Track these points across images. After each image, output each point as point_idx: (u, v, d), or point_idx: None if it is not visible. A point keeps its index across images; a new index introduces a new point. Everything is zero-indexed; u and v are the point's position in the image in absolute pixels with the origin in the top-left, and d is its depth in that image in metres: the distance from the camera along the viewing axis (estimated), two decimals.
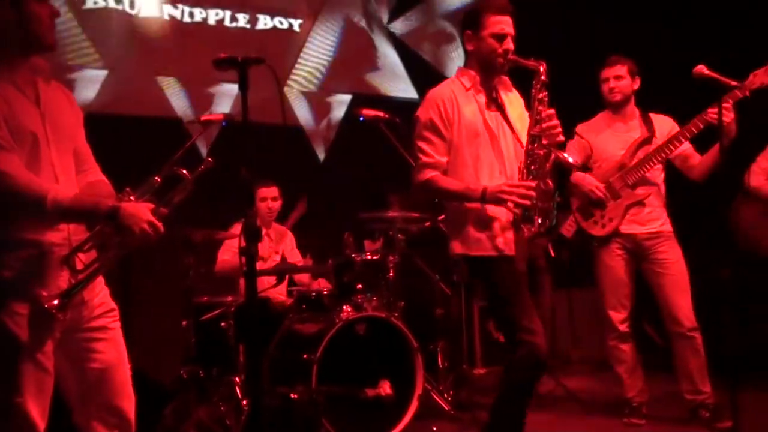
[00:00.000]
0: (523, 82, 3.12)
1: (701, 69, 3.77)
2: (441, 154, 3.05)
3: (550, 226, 2.98)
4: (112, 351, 2.43)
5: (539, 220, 2.91)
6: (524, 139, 3.01)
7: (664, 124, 4.14)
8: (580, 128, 4.28)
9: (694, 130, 3.92)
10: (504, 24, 3.02)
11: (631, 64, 4.14)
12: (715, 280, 4.26)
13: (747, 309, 4.83)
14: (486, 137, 3.05)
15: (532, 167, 2.95)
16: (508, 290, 2.98)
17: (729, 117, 3.69)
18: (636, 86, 4.15)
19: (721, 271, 4.12)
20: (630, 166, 4.07)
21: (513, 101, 3.18)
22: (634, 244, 4.10)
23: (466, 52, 3.16)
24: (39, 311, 2.22)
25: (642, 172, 4.05)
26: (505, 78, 3.17)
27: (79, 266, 2.31)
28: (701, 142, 4.03)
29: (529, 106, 3.06)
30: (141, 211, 2.29)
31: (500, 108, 3.11)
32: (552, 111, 2.96)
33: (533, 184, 2.90)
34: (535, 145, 2.95)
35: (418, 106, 3.17)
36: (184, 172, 2.46)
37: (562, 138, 2.98)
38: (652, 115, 4.18)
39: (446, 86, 3.14)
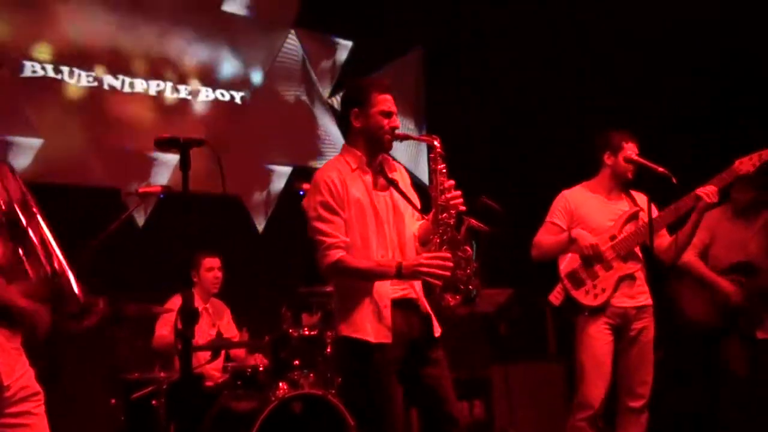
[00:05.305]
0: None
1: (630, 155, 3.91)
2: (342, 233, 3.01)
3: (471, 294, 2.99)
4: None
5: (462, 288, 2.96)
6: (419, 210, 3.11)
7: (641, 200, 4.01)
8: (566, 193, 4.15)
9: (682, 208, 3.89)
10: (390, 102, 3.10)
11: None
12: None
13: (685, 383, 4.89)
14: (373, 218, 3.04)
15: (445, 237, 3.00)
16: (377, 384, 2.95)
17: (713, 198, 3.81)
18: None
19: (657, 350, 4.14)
20: (621, 238, 3.98)
21: (399, 179, 3.18)
22: (623, 319, 3.96)
23: (351, 129, 3.17)
24: None
25: (633, 245, 3.98)
26: (388, 157, 3.19)
27: None
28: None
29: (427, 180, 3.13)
30: (43, 314, 2.15)
31: (392, 183, 3.11)
32: (452, 182, 3.03)
33: (449, 255, 2.94)
34: (444, 215, 3.01)
35: None
36: None
37: (463, 208, 3.03)
38: (632, 192, 4.08)
39: (332, 166, 3.12)
